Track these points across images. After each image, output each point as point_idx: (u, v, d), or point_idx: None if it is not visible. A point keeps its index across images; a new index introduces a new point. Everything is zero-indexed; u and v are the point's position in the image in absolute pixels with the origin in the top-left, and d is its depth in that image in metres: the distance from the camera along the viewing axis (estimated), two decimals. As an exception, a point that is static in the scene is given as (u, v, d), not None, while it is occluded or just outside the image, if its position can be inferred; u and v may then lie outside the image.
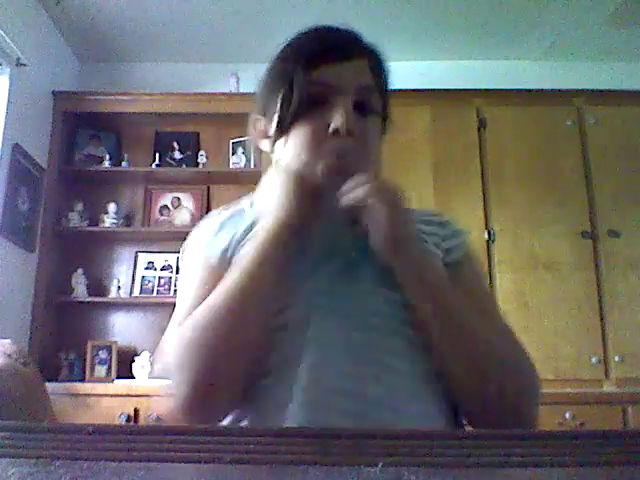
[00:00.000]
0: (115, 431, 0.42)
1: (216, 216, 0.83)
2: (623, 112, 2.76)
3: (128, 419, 2.36)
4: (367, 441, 0.39)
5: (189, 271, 0.79)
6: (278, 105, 0.74)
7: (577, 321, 2.54)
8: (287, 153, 0.74)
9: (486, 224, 2.66)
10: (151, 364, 2.71)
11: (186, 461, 0.36)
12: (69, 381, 2.61)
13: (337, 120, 0.69)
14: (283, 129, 0.74)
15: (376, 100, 0.75)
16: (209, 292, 0.68)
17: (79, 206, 2.93)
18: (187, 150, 3.11)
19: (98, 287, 2.92)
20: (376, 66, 0.75)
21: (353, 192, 0.67)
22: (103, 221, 2.94)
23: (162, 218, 3.06)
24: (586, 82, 2.90)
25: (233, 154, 3.05)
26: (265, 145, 0.81)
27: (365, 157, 0.72)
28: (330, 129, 0.70)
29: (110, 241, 3.01)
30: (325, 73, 0.72)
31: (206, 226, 0.82)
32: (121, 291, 2.89)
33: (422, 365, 0.68)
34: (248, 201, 0.85)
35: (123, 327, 2.93)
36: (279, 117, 0.74)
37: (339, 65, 0.72)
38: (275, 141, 0.77)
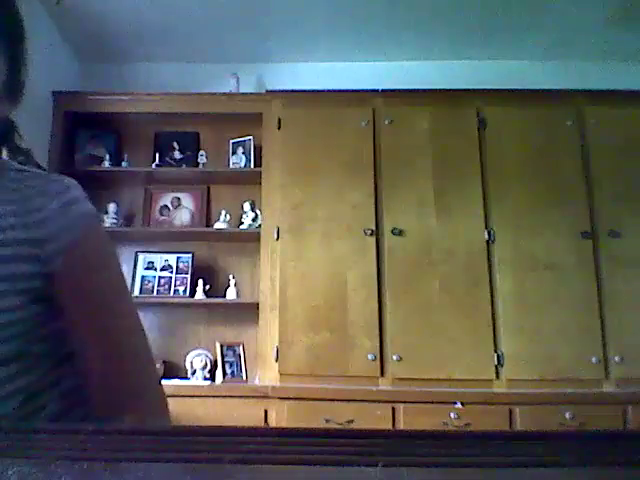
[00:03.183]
0: (115, 431, 0.42)
1: None
2: (623, 112, 2.76)
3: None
4: (367, 441, 0.39)
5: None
6: None
7: (577, 321, 2.54)
8: None
9: (486, 224, 2.66)
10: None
11: (186, 461, 0.36)
12: (69, 381, 2.60)
13: None
14: None
15: None
16: None
17: (79, 206, 2.93)
18: (187, 150, 3.11)
19: (98, 287, 2.91)
20: None
21: None
22: (103, 221, 2.94)
23: (162, 218, 3.06)
24: (586, 82, 2.90)
25: (233, 154, 3.05)
26: None
27: None
28: None
29: (110, 241, 3.00)
30: None
31: None
32: (121, 291, 2.89)
33: None
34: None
35: (123, 327, 2.92)
36: None
37: None
38: None
